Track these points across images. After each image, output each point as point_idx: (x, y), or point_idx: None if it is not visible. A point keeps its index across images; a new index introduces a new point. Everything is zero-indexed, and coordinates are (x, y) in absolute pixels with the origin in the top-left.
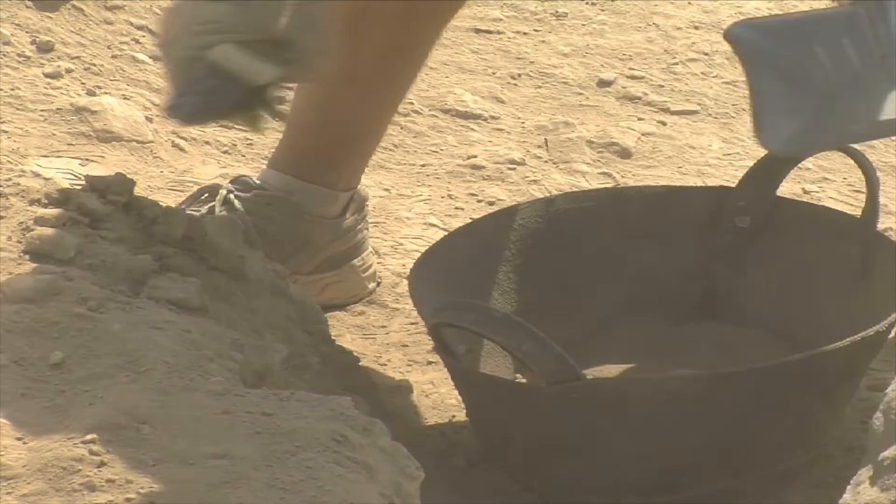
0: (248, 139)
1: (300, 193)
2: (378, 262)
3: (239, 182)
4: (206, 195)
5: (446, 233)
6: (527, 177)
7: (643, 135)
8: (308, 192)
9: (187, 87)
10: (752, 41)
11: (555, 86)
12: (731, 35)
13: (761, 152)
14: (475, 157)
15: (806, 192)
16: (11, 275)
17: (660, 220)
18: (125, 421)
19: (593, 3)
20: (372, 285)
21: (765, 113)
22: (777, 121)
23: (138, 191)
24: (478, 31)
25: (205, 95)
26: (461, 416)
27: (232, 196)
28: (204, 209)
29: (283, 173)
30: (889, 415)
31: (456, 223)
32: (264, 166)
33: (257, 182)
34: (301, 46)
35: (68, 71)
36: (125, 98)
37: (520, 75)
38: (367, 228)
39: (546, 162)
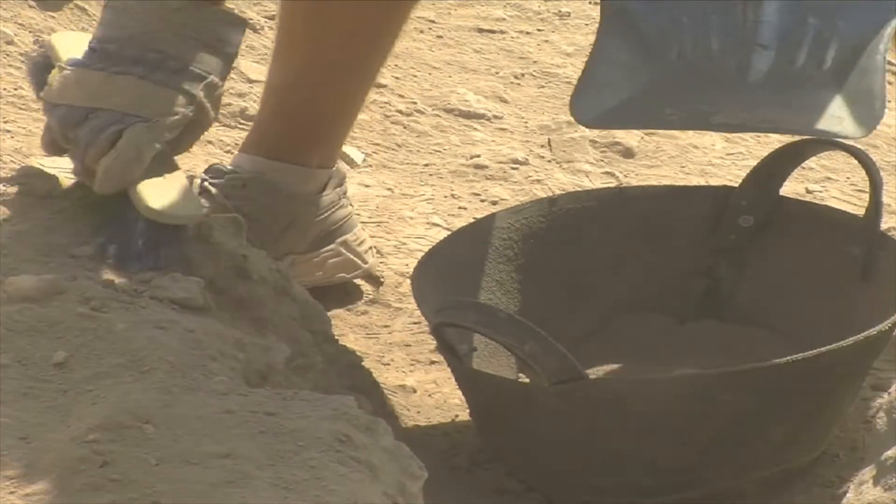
0: None
1: (273, 172)
2: (381, 262)
3: (211, 170)
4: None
5: (449, 232)
6: (530, 176)
7: (646, 134)
8: (281, 170)
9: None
10: (624, 3)
11: (558, 85)
12: None
13: (764, 152)
14: (478, 156)
15: (809, 191)
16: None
17: (663, 220)
18: (128, 420)
19: (596, 3)
20: (372, 260)
21: (590, 82)
22: (599, 91)
23: None
24: (481, 30)
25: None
26: (464, 415)
27: (207, 184)
28: None
29: (255, 155)
30: (892, 414)
31: (459, 223)
32: None
33: (230, 168)
34: (207, 123)
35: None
36: None
37: (523, 75)
38: (351, 204)
39: (549, 161)
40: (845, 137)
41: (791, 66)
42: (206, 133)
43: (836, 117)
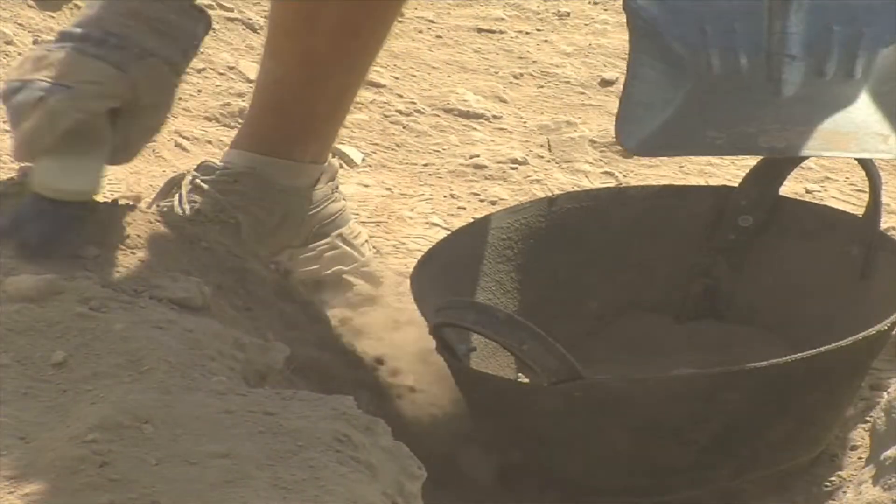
0: None
1: (264, 167)
2: (380, 262)
3: (202, 168)
4: (174, 188)
5: (448, 232)
6: (529, 176)
7: None
8: (272, 165)
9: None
10: (649, 16)
11: (557, 85)
12: (629, 7)
13: None
14: (477, 156)
15: (808, 191)
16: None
17: (662, 220)
18: (127, 420)
19: (595, 3)
20: (369, 253)
21: (630, 105)
22: (640, 114)
23: (141, 190)
24: (480, 30)
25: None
26: (463, 415)
27: (199, 181)
28: (175, 201)
29: (247, 151)
30: (891, 414)
31: (458, 223)
32: None
33: (220, 164)
34: (156, 109)
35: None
36: None
37: (522, 75)
38: (344, 199)
39: (548, 161)
40: (894, 157)
41: (822, 78)
42: (205, 133)
43: (881, 135)
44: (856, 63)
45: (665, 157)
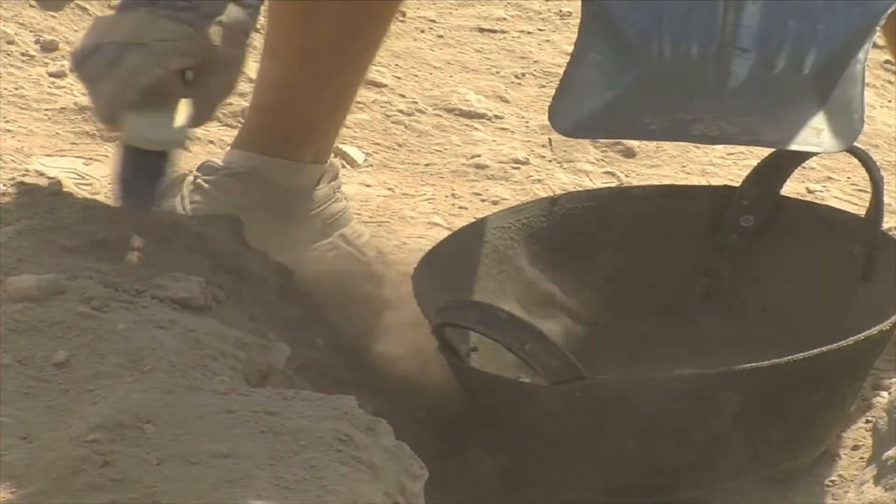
0: None
1: (266, 168)
2: (382, 262)
3: (203, 167)
4: (175, 188)
5: (450, 232)
6: (531, 176)
7: None
8: (274, 165)
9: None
10: (605, 1)
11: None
12: None
13: (765, 152)
14: (479, 156)
15: (810, 191)
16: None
17: (664, 220)
18: (129, 420)
19: None
20: (371, 253)
21: (569, 87)
22: (578, 96)
23: None
24: (482, 30)
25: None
26: (465, 415)
27: (200, 181)
28: (177, 201)
29: (248, 151)
30: (892, 414)
31: (460, 222)
32: None
33: (222, 164)
34: (230, 66)
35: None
36: None
37: (524, 74)
38: (346, 199)
39: (550, 161)
40: (823, 151)
41: (770, 72)
42: (207, 132)
43: (815, 129)
44: (806, 58)
45: (599, 139)
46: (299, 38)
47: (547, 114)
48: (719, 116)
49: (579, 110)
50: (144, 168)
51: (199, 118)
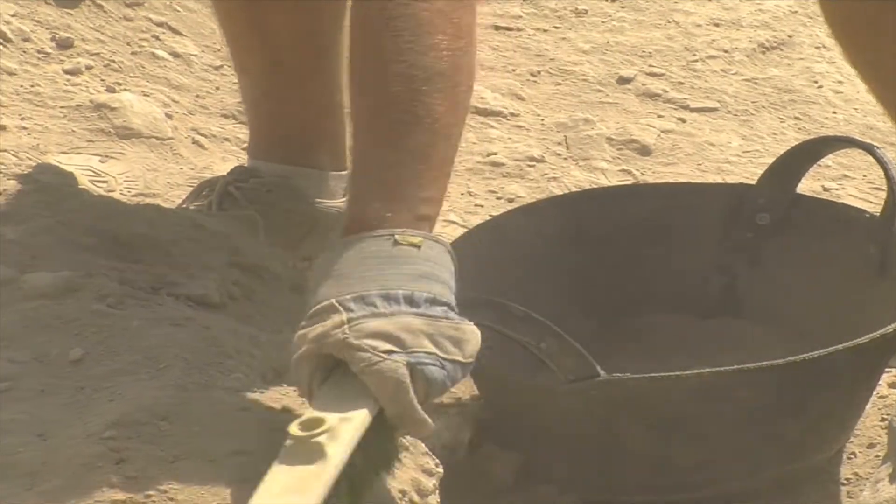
0: None
1: (295, 177)
2: None
3: (236, 172)
4: (206, 190)
5: (466, 230)
6: (546, 174)
7: (663, 132)
8: (301, 175)
9: None
10: None
11: (574, 83)
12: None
13: (781, 149)
14: (495, 154)
15: (826, 189)
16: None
17: (679, 218)
18: (145, 417)
19: (613, 0)
20: None
21: None
22: None
23: (158, 187)
24: (497, 28)
25: None
26: (478, 412)
27: (232, 188)
28: (204, 205)
29: (273, 162)
30: None
31: (475, 220)
32: None
33: (253, 169)
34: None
35: (88, 68)
36: (145, 95)
37: (539, 72)
38: None
39: (566, 159)
40: None
41: None
42: (222, 130)
43: None
44: None
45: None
46: (259, 49)
47: None
48: None
49: None
50: None
51: None
